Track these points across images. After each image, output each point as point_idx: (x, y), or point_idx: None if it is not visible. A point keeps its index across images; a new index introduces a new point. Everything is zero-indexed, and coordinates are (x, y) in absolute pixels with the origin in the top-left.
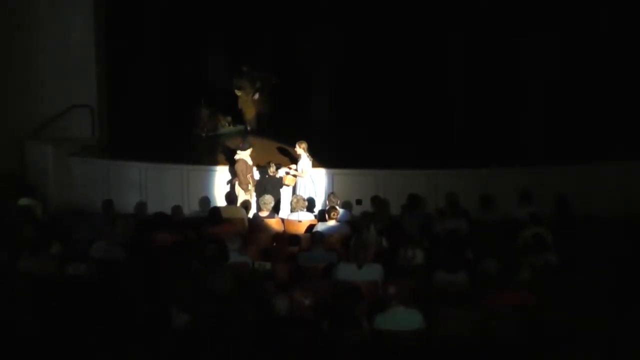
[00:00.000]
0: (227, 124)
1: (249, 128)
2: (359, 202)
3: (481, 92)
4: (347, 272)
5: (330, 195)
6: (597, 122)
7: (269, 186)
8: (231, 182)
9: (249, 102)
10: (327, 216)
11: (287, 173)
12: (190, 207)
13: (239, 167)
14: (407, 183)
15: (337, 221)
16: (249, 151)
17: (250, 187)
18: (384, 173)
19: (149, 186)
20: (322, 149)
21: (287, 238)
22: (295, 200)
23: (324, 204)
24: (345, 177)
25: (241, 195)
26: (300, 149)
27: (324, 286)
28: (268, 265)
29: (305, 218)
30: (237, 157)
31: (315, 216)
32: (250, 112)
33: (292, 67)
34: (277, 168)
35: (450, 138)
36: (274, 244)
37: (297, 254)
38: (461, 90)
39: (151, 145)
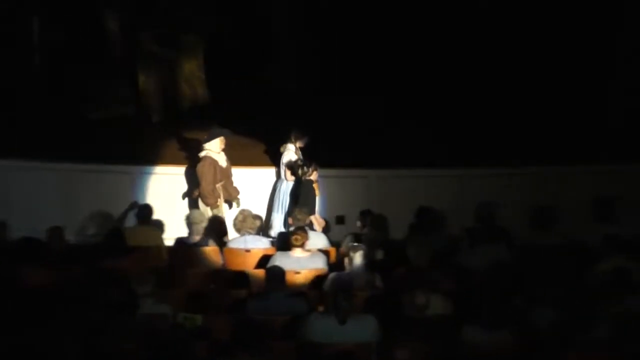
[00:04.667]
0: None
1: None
2: (340, 220)
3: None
4: (324, 328)
5: (295, 210)
6: None
7: (302, 196)
8: (190, 194)
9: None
10: (290, 243)
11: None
12: (78, 229)
13: (202, 169)
14: (414, 188)
15: (306, 250)
16: (217, 144)
17: (220, 201)
18: (378, 174)
19: (12, 197)
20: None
21: (229, 277)
22: (241, 217)
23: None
24: (321, 179)
25: (206, 214)
26: (291, 145)
27: (286, 350)
28: (199, 318)
29: (257, 246)
30: (201, 153)
31: (272, 242)
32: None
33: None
34: (310, 167)
35: (472, 123)
36: (210, 286)
37: (244, 300)
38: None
39: (12, 134)
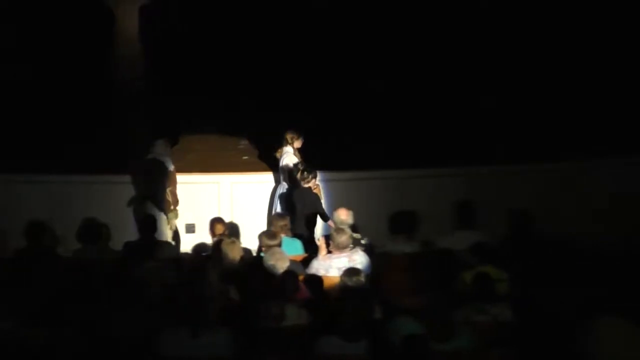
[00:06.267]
0: None
1: None
2: (190, 229)
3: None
4: (176, 342)
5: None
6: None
7: (299, 204)
8: (136, 201)
9: None
10: None
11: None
12: None
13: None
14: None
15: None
16: (161, 146)
17: (174, 207)
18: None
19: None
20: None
21: None
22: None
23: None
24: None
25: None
26: (289, 147)
27: None
28: None
29: None
30: (148, 157)
31: None
32: None
33: None
34: (310, 174)
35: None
36: None
37: None
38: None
39: None
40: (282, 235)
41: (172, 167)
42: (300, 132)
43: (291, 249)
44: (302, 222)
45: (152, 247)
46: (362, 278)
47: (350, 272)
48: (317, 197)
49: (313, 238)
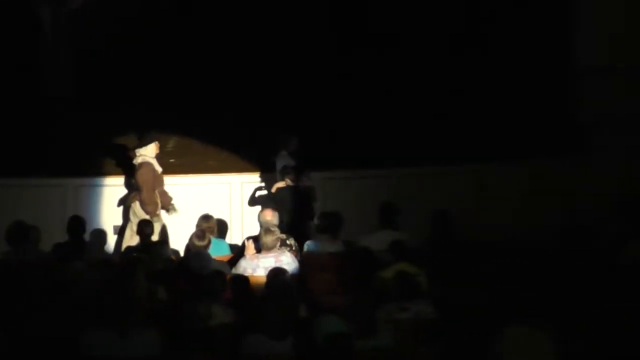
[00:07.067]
0: None
1: None
2: (117, 231)
3: None
4: (103, 342)
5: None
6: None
7: (283, 206)
8: (126, 204)
9: None
10: None
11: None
12: None
13: (143, 177)
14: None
15: None
16: (152, 149)
17: (159, 210)
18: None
19: None
20: None
21: None
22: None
23: None
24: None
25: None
26: (283, 152)
27: None
28: None
29: None
30: (137, 159)
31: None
32: None
33: None
34: (297, 173)
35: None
36: None
37: None
38: None
39: None
40: (211, 237)
41: (160, 169)
42: (290, 139)
43: (218, 249)
44: (291, 221)
45: (81, 248)
46: (287, 277)
47: (276, 271)
48: (307, 197)
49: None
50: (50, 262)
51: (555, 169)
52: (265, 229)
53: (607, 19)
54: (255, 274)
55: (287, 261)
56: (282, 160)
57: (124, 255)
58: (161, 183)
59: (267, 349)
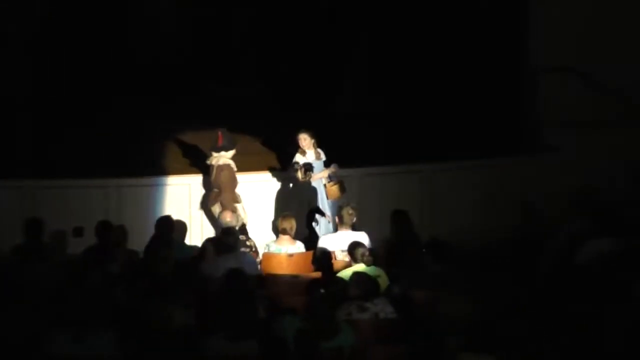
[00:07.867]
0: None
1: None
2: (78, 232)
3: None
4: (62, 343)
5: None
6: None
7: (293, 202)
8: (207, 204)
9: None
10: None
11: (330, 178)
12: None
13: (224, 178)
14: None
15: None
16: (231, 153)
17: (240, 206)
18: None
19: None
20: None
21: None
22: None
23: None
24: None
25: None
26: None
27: None
28: None
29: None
30: (218, 162)
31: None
32: None
33: None
34: (307, 170)
35: None
36: None
37: None
38: None
39: None
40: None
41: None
42: (303, 132)
43: (180, 251)
44: (302, 217)
45: (40, 249)
46: (247, 278)
47: (236, 272)
48: (314, 193)
49: (313, 233)
50: (9, 263)
51: (508, 168)
52: (226, 229)
53: (560, 19)
54: (215, 275)
55: (248, 261)
56: (297, 157)
57: (81, 256)
58: (236, 183)
59: (227, 350)
